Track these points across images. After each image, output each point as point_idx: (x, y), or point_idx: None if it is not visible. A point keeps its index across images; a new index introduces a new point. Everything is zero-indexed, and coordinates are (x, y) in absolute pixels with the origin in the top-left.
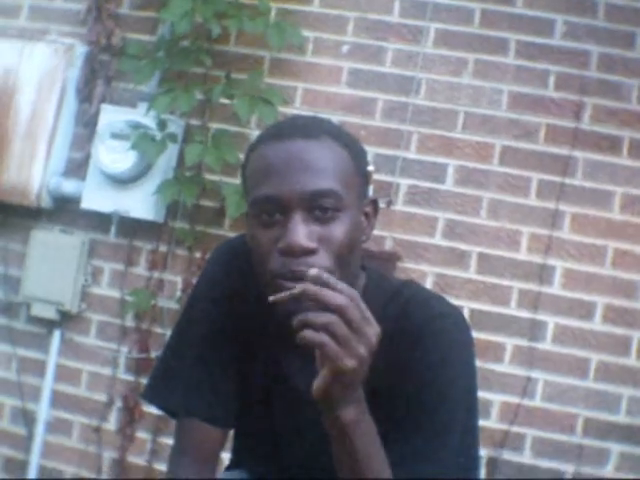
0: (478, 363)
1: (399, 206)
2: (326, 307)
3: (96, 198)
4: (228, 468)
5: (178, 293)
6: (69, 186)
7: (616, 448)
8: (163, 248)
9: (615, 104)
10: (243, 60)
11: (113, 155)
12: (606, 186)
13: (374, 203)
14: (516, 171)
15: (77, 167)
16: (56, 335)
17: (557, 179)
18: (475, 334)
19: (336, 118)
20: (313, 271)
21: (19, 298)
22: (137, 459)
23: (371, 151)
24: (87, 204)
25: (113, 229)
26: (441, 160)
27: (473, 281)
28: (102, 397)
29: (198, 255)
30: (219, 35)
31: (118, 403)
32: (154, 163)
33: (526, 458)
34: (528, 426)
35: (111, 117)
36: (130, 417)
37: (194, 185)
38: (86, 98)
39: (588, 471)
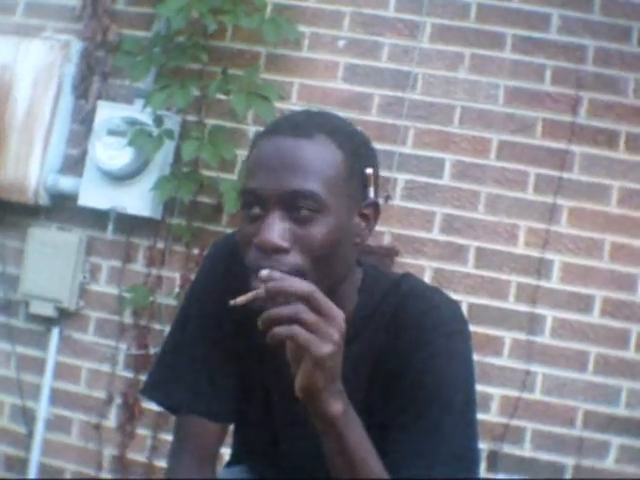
0: (477, 357)
1: (396, 201)
2: (288, 302)
3: (93, 195)
4: (228, 464)
5: (176, 289)
6: (66, 183)
7: (616, 440)
8: (161, 245)
9: (612, 98)
10: (239, 56)
11: (110, 152)
12: (603, 180)
13: (375, 205)
14: (513, 165)
15: (74, 164)
16: (55, 333)
17: (554, 173)
18: (474, 328)
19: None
20: (264, 273)
21: (17, 296)
22: (137, 456)
23: None
24: (84, 201)
25: (110, 226)
26: (438, 155)
27: (471, 275)
28: (101, 394)
29: (196, 251)
30: (215, 31)
31: (118, 400)
32: (151, 159)
33: (526, 451)
34: (528, 419)
35: (107, 113)
36: (130, 414)
37: (191, 181)
38: (82, 95)
39: (588, 464)
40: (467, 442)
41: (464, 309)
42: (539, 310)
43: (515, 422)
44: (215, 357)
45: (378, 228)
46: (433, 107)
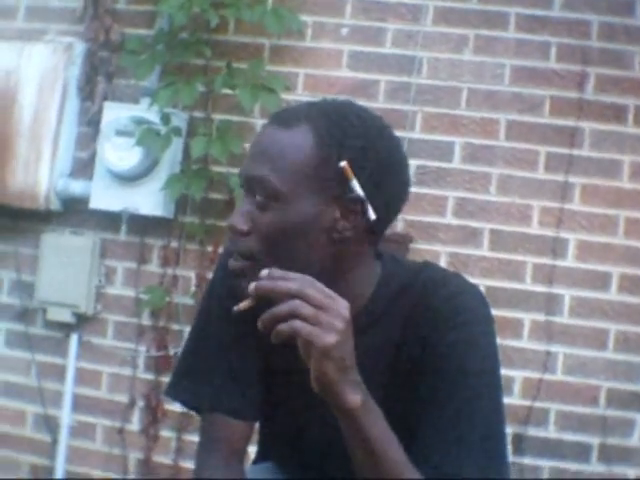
0: (497, 340)
1: None
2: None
3: (104, 197)
4: (255, 461)
5: (192, 288)
6: (77, 187)
7: None
8: (174, 244)
9: (618, 72)
10: (243, 49)
11: (119, 152)
12: (614, 155)
13: (360, 202)
14: (523, 145)
15: (83, 167)
16: (73, 338)
17: (564, 151)
18: (492, 311)
19: None
20: (263, 272)
21: (34, 303)
22: (163, 458)
23: None
24: (96, 204)
25: (123, 227)
26: (447, 138)
27: (487, 258)
28: (123, 398)
29: (210, 249)
30: (217, 25)
31: (140, 403)
32: (160, 158)
33: (551, 433)
34: (551, 401)
35: (114, 114)
36: (153, 416)
37: (201, 178)
38: (88, 96)
39: (613, 442)
40: (495, 428)
41: (482, 292)
42: (556, 290)
43: (538, 404)
44: (237, 355)
45: None
46: (440, 90)
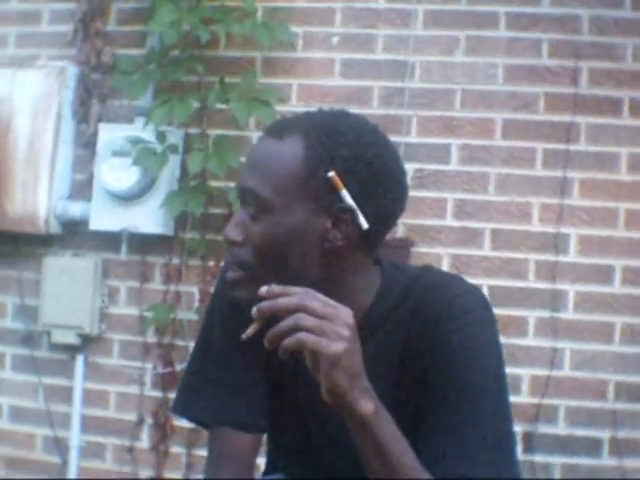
0: (503, 339)
1: None
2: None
3: (104, 218)
4: (265, 473)
5: (196, 304)
6: (76, 209)
7: None
8: (176, 260)
9: (611, 65)
10: (235, 63)
11: (116, 173)
12: (611, 148)
13: (350, 211)
14: (519, 143)
15: (81, 189)
16: (79, 360)
17: (561, 147)
18: (496, 311)
19: None
20: (262, 290)
21: (38, 327)
22: (174, 474)
23: None
24: (95, 225)
25: (124, 247)
26: (443, 141)
27: (489, 258)
28: (132, 416)
29: (212, 263)
30: (208, 41)
31: (149, 421)
32: (157, 176)
33: (561, 429)
34: (560, 397)
35: (110, 135)
36: (162, 433)
37: (200, 194)
38: (83, 119)
39: (624, 435)
40: (503, 428)
41: (485, 292)
42: (560, 286)
43: (547, 401)
44: (242, 368)
45: None
46: (433, 93)
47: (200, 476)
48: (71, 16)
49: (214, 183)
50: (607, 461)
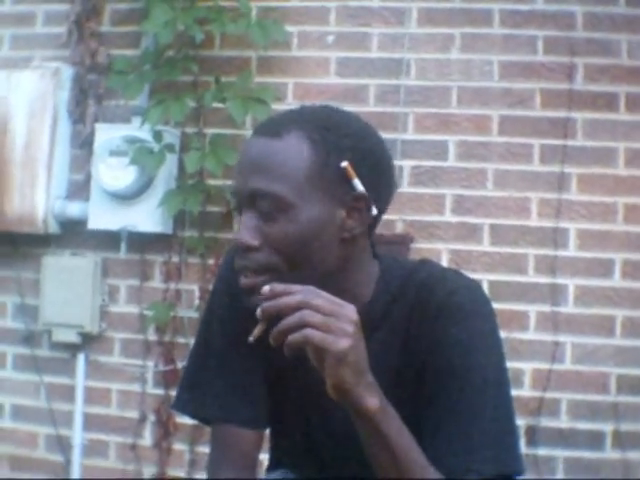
0: (504, 334)
1: (405, 188)
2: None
3: (102, 217)
4: (268, 469)
5: (196, 301)
6: (74, 209)
7: None
8: (175, 259)
9: (606, 61)
10: (230, 62)
11: (113, 172)
12: (608, 143)
13: (364, 199)
14: (516, 139)
15: (79, 189)
16: (80, 358)
17: (558, 142)
18: (497, 305)
19: None
20: (265, 289)
21: (39, 326)
22: (177, 471)
23: None
24: (94, 224)
25: (123, 246)
26: (440, 137)
27: (488, 253)
28: (134, 414)
29: (211, 261)
30: (203, 40)
31: (151, 418)
32: (155, 175)
33: (563, 422)
34: (562, 390)
35: (106, 135)
36: (165, 430)
37: (198, 192)
38: (79, 119)
39: (627, 428)
40: (505, 421)
41: (485, 287)
42: (560, 280)
43: (549, 394)
44: (242, 365)
45: (390, 216)
46: (429, 91)
47: (203, 473)
48: (65, 17)
49: (211, 181)
50: (610, 454)
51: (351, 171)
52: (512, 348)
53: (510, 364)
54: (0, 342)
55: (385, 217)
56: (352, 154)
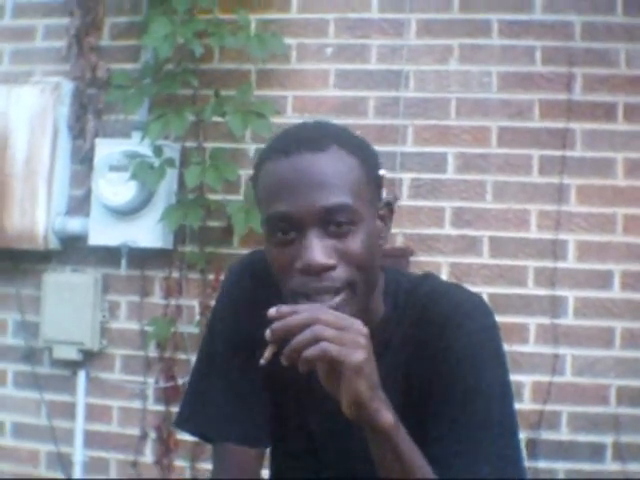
0: (504, 347)
1: (404, 201)
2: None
3: (103, 233)
4: None
5: (197, 317)
6: (74, 224)
7: None
8: (176, 274)
9: (604, 71)
10: (230, 76)
11: (114, 188)
12: (607, 154)
13: (388, 205)
14: (515, 151)
15: (79, 204)
16: (81, 375)
17: (557, 153)
18: (497, 318)
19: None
20: (271, 312)
21: (40, 343)
22: None
23: None
24: (94, 240)
25: (124, 262)
26: (439, 149)
27: (488, 266)
28: (135, 431)
29: (212, 276)
30: (202, 54)
31: (152, 435)
32: (155, 190)
33: (564, 435)
34: (562, 403)
35: (106, 150)
36: (166, 447)
37: (198, 207)
38: (79, 134)
39: (627, 440)
40: (509, 435)
41: (485, 300)
42: (559, 292)
43: (549, 407)
44: (245, 382)
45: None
46: (428, 102)
47: None
48: (65, 31)
49: (212, 196)
50: (610, 466)
51: (383, 179)
52: (512, 361)
53: (510, 377)
54: (1, 359)
55: None
56: (379, 164)
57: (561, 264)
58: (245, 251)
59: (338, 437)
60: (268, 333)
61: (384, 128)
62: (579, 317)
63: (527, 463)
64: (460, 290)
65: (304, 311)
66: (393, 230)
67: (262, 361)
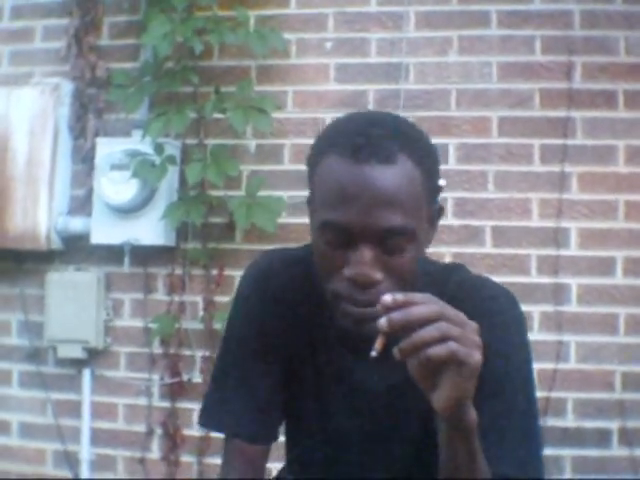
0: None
1: None
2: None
3: (105, 232)
4: (278, 477)
5: (201, 313)
6: (76, 224)
7: None
8: (179, 271)
9: (604, 59)
10: (230, 72)
11: (115, 186)
12: (608, 141)
13: (440, 209)
14: (516, 140)
15: (81, 204)
16: (86, 374)
17: (558, 142)
18: None
19: (330, 115)
20: (387, 299)
21: (44, 342)
22: None
23: None
24: (97, 239)
25: (126, 260)
26: (440, 141)
27: (491, 255)
28: (141, 428)
29: (215, 272)
30: (202, 51)
31: (158, 431)
32: (157, 188)
33: (570, 422)
34: (567, 390)
35: (107, 149)
36: (172, 443)
37: (200, 204)
38: (80, 134)
39: (633, 425)
40: (534, 427)
41: (512, 293)
42: (562, 279)
43: (555, 394)
44: (259, 378)
45: None
46: (429, 94)
47: None
48: (64, 32)
49: (213, 192)
50: (617, 451)
51: (442, 189)
52: None
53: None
54: (6, 360)
55: None
56: (438, 172)
57: (564, 252)
58: (248, 246)
59: (362, 429)
60: (384, 322)
61: None
62: (583, 304)
63: None
64: (489, 282)
65: (429, 302)
66: None
67: (373, 353)
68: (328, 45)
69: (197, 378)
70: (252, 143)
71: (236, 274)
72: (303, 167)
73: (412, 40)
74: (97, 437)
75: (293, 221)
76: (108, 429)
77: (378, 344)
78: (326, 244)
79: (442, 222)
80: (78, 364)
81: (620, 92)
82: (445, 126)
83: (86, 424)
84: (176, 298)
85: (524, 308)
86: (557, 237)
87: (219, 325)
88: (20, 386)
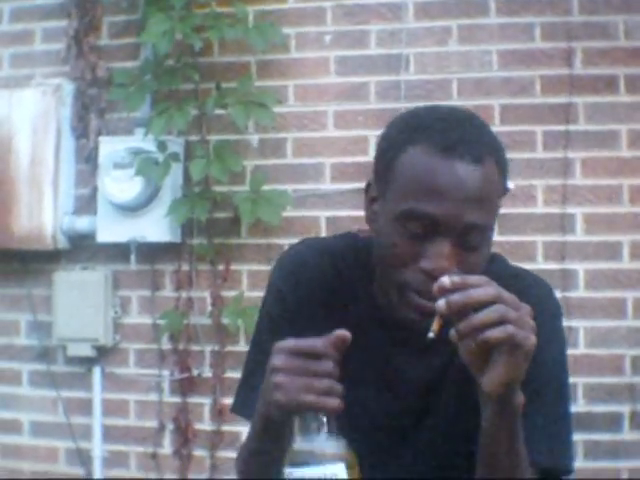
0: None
1: None
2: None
3: (111, 230)
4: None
5: (208, 308)
6: (82, 223)
7: None
8: (185, 267)
9: (604, 44)
10: (230, 68)
11: (119, 185)
12: (610, 126)
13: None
14: (519, 127)
15: (86, 203)
16: (96, 371)
17: (561, 128)
18: None
19: (331, 108)
20: (445, 281)
21: (53, 342)
22: (198, 477)
23: (371, 134)
24: (103, 237)
25: (133, 257)
26: None
27: (497, 243)
28: (153, 423)
29: (221, 267)
30: (202, 48)
31: (170, 426)
32: (161, 185)
33: (580, 407)
34: (577, 375)
35: (110, 148)
36: (184, 438)
37: (204, 200)
38: (82, 134)
39: None
40: (568, 416)
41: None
42: (569, 265)
43: None
44: None
45: None
46: (430, 84)
47: (226, 476)
48: (63, 33)
49: (218, 188)
50: (628, 435)
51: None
52: None
53: None
54: (15, 360)
55: None
56: (508, 175)
57: (570, 237)
58: (253, 241)
59: (393, 423)
60: (442, 304)
61: (386, 112)
62: (590, 289)
63: None
64: (528, 273)
65: (487, 285)
66: None
67: (431, 334)
68: (327, 38)
69: (207, 373)
70: (254, 138)
71: (243, 269)
72: (306, 160)
73: (412, 30)
74: (109, 434)
75: (298, 214)
76: (120, 426)
77: (435, 325)
78: (402, 234)
79: None
80: (88, 362)
81: (621, 76)
82: None
83: (97, 421)
84: (183, 294)
85: None
86: (563, 223)
87: (227, 320)
88: (30, 385)
